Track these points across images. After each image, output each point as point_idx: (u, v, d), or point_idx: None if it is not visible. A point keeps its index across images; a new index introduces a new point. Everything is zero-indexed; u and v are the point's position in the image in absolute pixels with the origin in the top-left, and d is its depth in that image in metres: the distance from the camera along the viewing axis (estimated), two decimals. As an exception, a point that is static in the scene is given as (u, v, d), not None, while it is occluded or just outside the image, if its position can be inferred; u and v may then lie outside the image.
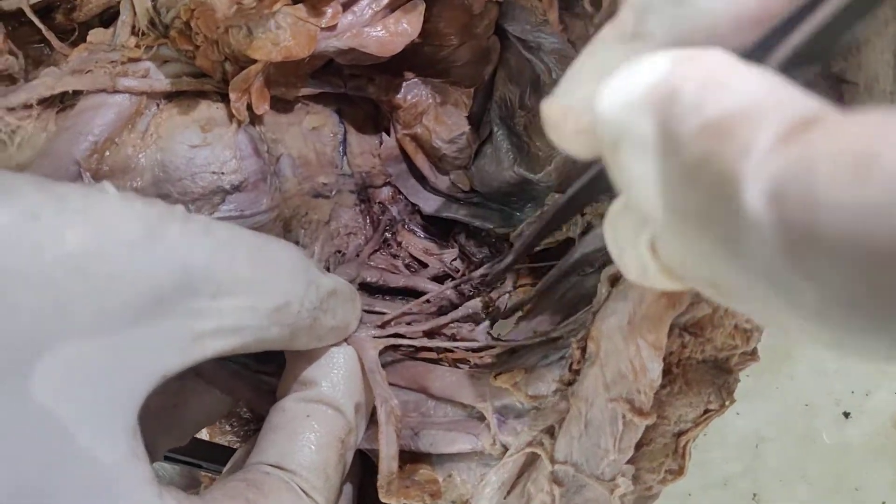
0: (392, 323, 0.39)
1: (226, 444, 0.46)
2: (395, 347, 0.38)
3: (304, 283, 0.29)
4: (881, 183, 0.11)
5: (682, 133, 0.15)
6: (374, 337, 0.36)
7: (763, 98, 0.14)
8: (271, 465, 0.31)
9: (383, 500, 0.33)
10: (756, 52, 0.16)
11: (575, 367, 0.32)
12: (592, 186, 0.24)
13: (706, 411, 0.32)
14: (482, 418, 0.35)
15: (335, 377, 0.34)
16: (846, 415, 0.55)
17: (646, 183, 0.16)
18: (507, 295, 0.43)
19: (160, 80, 0.35)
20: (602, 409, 0.30)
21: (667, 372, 0.31)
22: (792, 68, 0.16)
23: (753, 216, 0.13)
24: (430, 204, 0.48)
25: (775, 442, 0.55)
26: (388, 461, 0.32)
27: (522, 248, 0.39)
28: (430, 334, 0.39)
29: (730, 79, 0.15)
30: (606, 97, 0.17)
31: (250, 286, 0.27)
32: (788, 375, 0.56)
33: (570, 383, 0.32)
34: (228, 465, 0.37)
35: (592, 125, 0.18)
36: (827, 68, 0.25)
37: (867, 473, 0.54)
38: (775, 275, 0.13)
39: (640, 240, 0.19)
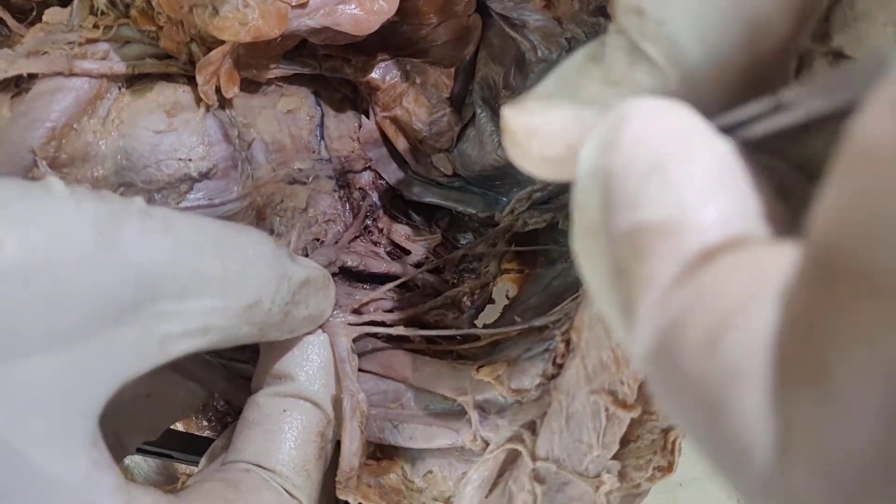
0: (371, 308, 0.38)
1: (203, 437, 0.45)
2: (374, 334, 0.37)
3: (275, 279, 0.28)
4: (723, 359, 0.11)
5: (613, 229, 0.14)
6: (349, 324, 0.34)
7: (692, 209, 0.13)
8: (250, 464, 0.30)
9: (339, 496, 0.32)
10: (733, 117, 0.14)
11: (559, 360, 0.30)
12: None
13: (695, 405, 0.30)
14: (463, 412, 0.33)
15: (311, 369, 0.32)
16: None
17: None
18: (492, 283, 0.42)
19: (120, 63, 0.33)
20: (584, 403, 0.29)
21: (653, 364, 0.29)
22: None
23: (639, 355, 0.13)
24: (411, 189, 0.46)
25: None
26: (349, 458, 0.31)
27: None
28: (410, 322, 0.38)
29: (675, 167, 0.13)
30: (582, 158, 0.15)
31: (218, 286, 0.25)
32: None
33: (554, 377, 0.30)
34: (206, 456, 0.35)
35: (561, 155, 0.17)
36: (827, 43, 0.23)
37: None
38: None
39: None
